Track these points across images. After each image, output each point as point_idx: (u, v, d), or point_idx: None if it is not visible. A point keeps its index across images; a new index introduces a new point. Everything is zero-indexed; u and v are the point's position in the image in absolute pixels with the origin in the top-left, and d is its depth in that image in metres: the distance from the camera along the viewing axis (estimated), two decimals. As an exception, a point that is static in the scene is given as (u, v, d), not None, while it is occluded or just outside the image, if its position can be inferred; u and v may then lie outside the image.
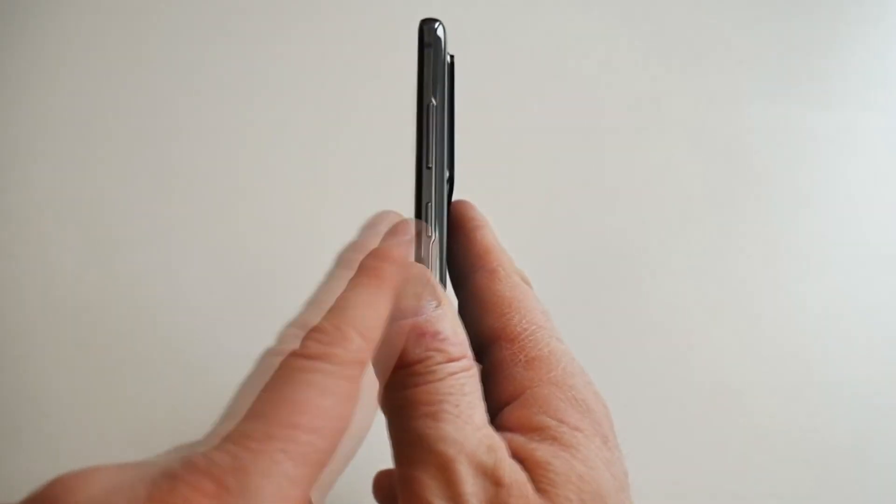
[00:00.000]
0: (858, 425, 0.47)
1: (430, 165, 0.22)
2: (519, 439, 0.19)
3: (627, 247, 0.51)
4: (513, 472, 0.18)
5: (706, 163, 0.54)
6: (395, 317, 0.19)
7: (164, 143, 0.50)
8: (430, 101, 0.22)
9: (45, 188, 0.48)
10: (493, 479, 0.18)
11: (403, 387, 0.19)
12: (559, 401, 0.20)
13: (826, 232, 0.53)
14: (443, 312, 0.20)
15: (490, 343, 0.22)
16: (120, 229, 0.48)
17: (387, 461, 0.29)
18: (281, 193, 0.50)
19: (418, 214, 0.22)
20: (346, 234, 0.48)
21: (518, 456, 0.19)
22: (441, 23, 0.23)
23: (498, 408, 0.21)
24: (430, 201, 0.22)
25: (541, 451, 0.19)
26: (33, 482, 0.16)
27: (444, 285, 0.22)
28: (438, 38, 0.23)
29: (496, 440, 0.19)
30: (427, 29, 0.23)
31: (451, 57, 0.24)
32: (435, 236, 0.22)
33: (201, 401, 0.44)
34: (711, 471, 0.45)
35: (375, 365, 0.20)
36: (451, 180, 0.23)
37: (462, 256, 0.24)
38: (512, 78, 0.54)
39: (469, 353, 0.20)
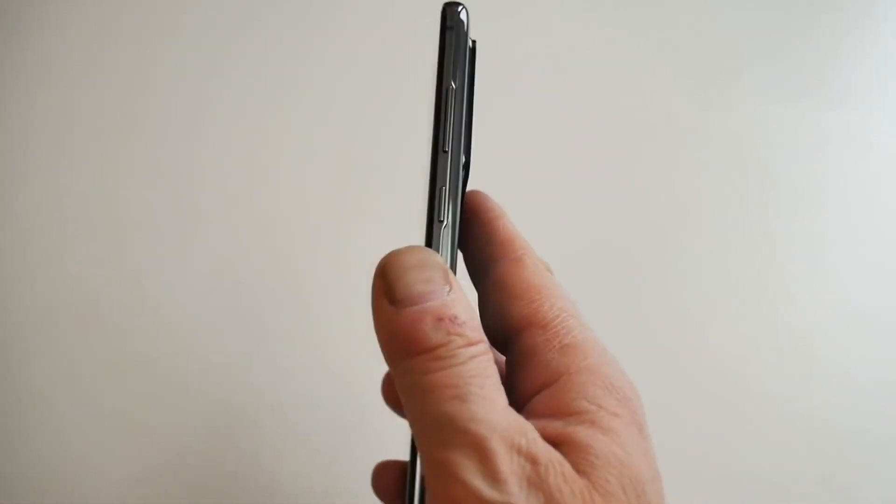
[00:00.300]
0: (864, 423, 0.47)
1: (445, 149, 0.22)
2: (556, 424, 0.19)
3: (631, 246, 0.50)
4: (548, 452, 0.18)
5: (710, 161, 0.54)
6: (407, 302, 0.19)
7: (167, 142, 0.50)
8: (450, 85, 0.22)
9: (46, 188, 0.48)
10: (529, 458, 0.18)
11: (426, 371, 0.19)
12: (596, 387, 0.20)
13: (832, 231, 0.53)
14: (457, 296, 0.20)
15: (520, 330, 0.22)
16: (122, 229, 0.48)
17: (383, 454, 0.29)
18: (285, 193, 0.49)
19: (432, 198, 0.22)
20: (348, 234, 0.48)
21: (556, 439, 0.19)
22: (464, 6, 0.23)
23: (530, 395, 0.21)
24: (445, 185, 0.21)
25: (580, 433, 0.19)
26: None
27: (455, 270, 0.22)
28: (461, 22, 0.23)
29: (525, 422, 0.19)
30: (450, 11, 0.23)
31: (473, 42, 0.24)
32: (448, 221, 0.21)
33: (202, 400, 0.44)
34: (715, 468, 0.45)
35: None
36: (466, 166, 0.23)
37: (482, 246, 0.24)
38: (512, 76, 0.54)
39: (484, 337, 0.20)
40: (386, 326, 0.19)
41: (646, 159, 0.53)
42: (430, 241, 0.21)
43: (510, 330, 0.22)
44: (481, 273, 0.24)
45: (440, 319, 0.19)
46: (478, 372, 0.19)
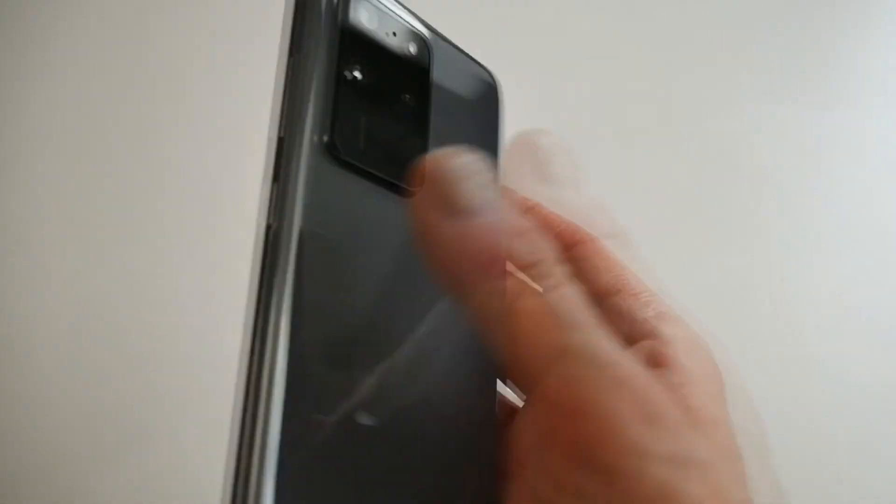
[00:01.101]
0: (859, 421, 0.47)
1: (280, 135, 0.16)
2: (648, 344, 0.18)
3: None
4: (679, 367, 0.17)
5: (706, 161, 0.54)
6: (479, 212, 0.15)
7: (165, 143, 0.50)
8: (286, 57, 0.17)
9: (45, 188, 0.48)
10: (676, 373, 0.16)
11: (520, 294, 0.15)
12: (690, 355, 0.18)
13: (825, 230, 0.53)
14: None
15: (607, 297, 0.20)
16: (120, 230, 0.48)
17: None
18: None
19: (270, 196, 0.17)
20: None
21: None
22: None
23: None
24: (271, 182, 0.16)
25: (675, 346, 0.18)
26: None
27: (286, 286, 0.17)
28: None
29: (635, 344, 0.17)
30: None
31: (343, 3, 0.17)
32: (283, 227, 0.16)
33: (200, 399, 0.44)
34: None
35: None
36: (333, 146, 0.17)
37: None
38: (510, 75, 0.54)
39: None
40: (455, 243, 0.15)
41: (643, 159, 0.53)
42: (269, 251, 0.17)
43: (595, 296, 0.20)
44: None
45: (523, 233, 0.15)
46: (575, 295, 0.15)
